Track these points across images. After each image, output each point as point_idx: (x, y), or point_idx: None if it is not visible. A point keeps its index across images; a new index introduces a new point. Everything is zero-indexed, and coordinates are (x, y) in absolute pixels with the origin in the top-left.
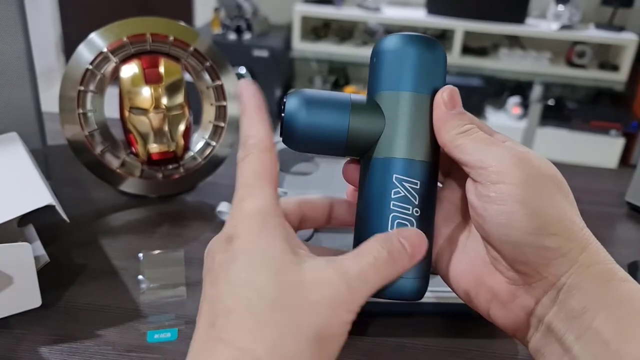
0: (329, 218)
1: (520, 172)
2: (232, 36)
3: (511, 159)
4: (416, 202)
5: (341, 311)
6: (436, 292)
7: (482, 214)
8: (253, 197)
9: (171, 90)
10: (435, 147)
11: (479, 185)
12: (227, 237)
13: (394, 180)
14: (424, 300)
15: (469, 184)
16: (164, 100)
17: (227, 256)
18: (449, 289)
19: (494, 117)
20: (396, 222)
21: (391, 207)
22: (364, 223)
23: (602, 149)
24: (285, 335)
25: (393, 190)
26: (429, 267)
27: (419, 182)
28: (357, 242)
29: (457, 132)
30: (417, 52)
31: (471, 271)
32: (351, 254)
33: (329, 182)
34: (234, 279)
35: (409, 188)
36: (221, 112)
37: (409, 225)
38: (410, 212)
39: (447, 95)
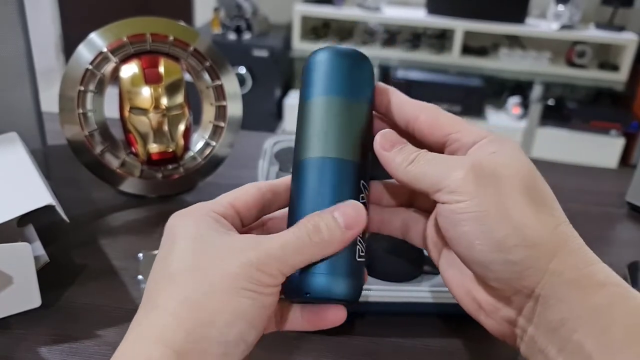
0: (262, 207)
1: (471, 185)
2: (232, 36)
3: (462, 172)
4: (366, 203)
5: (250, 272)
6: (436, 292)
7: (447, 235)
8: (202, 205)
9: (171, 90)
10: (364, 148)
11: (439, 207)
12: (169, 227)
13: (360, 186)
14: (424, 300)
15: (437, 206)
16: (164, 100)
17: (166, 242)
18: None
19: (494, 117)
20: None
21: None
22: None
23: (602, 149)
24: (193, 290)
25: (360, 196)
26: (352, 263)
27: (367, 185)
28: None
29: (406, 165)
30: (336, 62)
31: (461, 281)
32: (271, 235)
33: None
34: (160, 257)
35: (366, 193)
36: (221, 112)
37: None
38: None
39: (380, 140)
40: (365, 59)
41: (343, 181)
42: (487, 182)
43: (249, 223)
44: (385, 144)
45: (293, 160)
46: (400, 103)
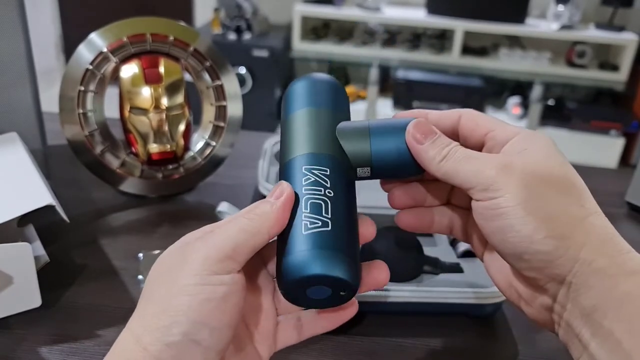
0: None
1: (502, 182)
2: (232, 36)
3: (493, 170)
4: (328, 185)
5: (204, 266)
6: (436, 292)
7: (482, 230)
8: (218, 235)
9: (171, 90)
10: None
11: (473, 203)
12: (181, 247)
13: (303, 170)
14: (424, 300)
15: (472, 202)
16: (164, 100)
17: (176, 264)
18: (448, 289)
19: None
20: (309, 202)
21: (303, 191)
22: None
23: (602, 149)
24: (159, 302)
25: (304, 178)
26: (338, 241)
27: (328, 169)
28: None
29: (439, 161)
30: (307, 83)
31: (503, 273)
32: None
33: None
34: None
35: (318, 174)
36: (221, 112)
37: (322, 204)
38: (322, 193)
39: (412, 131)
40: (322, 79)
41: (340, 171)
42: (517, 179)
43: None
44: (417, 135)
45: (279, 169)
46: (438, 117)
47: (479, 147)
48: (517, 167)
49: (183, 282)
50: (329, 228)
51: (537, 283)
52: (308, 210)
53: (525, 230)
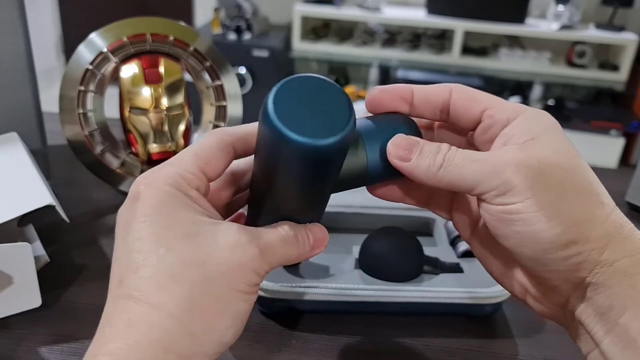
0: (230, 159)
1: (521, 184)
2: (232, 36)
3: (507, 173)
4: None
5: (249, 272)
6: (436, 292)
7: (495, 232)
8: (170, 164)
9: (171, 90)
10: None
11: (486, 207)
12: (133, 195)
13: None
14: (424, 300)
15: (479, 203)
16: (164, 100)
17: (132, 215)
18: (448, 289)
19: None
20: None
21: None
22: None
23: (602, 149)
24: (197, 290)
25: None
26: None
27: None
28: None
29: (436, 171)
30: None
31: (506, 266)
32: (262, 227)
33: None
34: (140, 236)
35: None
36: (221, 112)
37: None
38: None
39: (394, 152)
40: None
41: None
42: (536, 180)
43: (215, 178)
44: (400, 153)
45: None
46: (425, 93)
47: (473, 127)
48: (533, 166)
49: (238, 288)
50: None
51: (550, 283)
52: None
53: (547, 237)
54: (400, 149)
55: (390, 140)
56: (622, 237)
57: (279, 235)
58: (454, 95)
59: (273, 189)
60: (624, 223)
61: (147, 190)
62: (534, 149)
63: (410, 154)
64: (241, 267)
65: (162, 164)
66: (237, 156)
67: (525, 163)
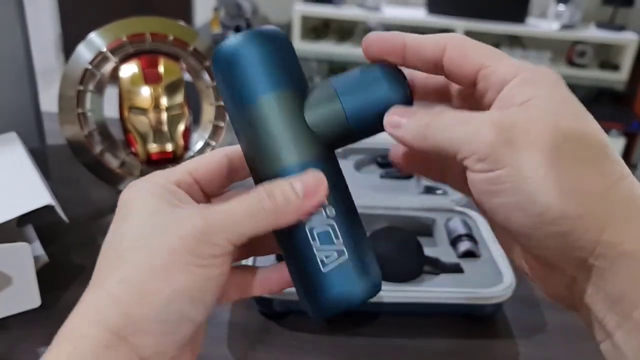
0: (229, 174)
1: (502, 151)
2: None
3: (491, 135)
4: (325, 202)
5: (193, 242)
6: (436, 292)
7: (481, 207)
8: (160, 174)
9: (170, 90)
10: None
11: (469, 175)
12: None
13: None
14: (424, 300)
15: (467, 174)
16: (164, 100)
17: (119, 216)
18: (449, 289)
19: None
20: (316, 232)
21: (304, 219)
22: (287, 242)
23: None
24: (139, 270)
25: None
26: (362, 263)
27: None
28: None
29: (422, 131)
30: (258, 49)
31: (509, 244)
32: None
33: None
34: (111, 228)
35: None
36: (221, 111)
37: (330, 231)
38: (325, 216)
39: (389, 119)
40: (273, 36)
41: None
42: (522, 144)
43: (215, 192)
44: (395, 118)
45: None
46: (417, 47)
47: (471, 86)
48: (520, 129)
49: (182, 259)
50: (346, 256)
51: (551, 262)
52: (318, 242)
53: (533, 209)
54: (395, 114)
55: (388, 112)
56: (626, 215)
57: (239, 200)
58: (448, 52)
59: (240, 142)
60: (631, 197)
61: (128, 189)
62: (527, 109)
63: (401, 120)
64: (181, 241)
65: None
66: (234, 165)
67: (511, 125)
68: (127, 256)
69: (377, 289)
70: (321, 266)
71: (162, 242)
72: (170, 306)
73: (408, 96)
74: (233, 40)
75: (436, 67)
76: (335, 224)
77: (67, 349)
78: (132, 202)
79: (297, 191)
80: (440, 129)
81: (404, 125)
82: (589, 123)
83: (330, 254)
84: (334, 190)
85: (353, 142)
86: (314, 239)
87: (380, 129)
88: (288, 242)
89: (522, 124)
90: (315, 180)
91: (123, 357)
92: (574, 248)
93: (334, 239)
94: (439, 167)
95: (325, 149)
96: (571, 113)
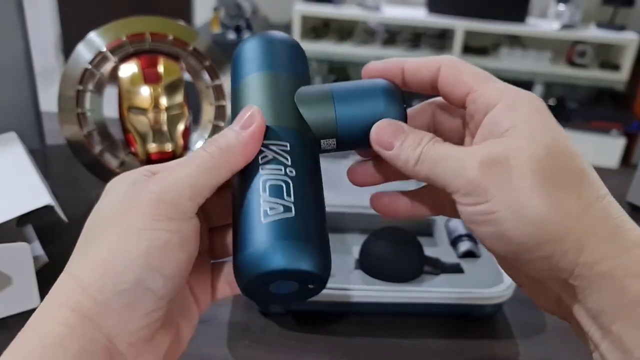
0: None
1: (485, 185)
2: (232, 35)
3: (473, 171)
4: (289, 163)
5: (157, 205)
6: (436, 292)
7: (474, 235)
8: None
9: (170, 89)
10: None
11: (459, 207)
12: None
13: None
14: (424, 301)
15: (456, 205)
16: (163, 100)
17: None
18: (449, 289)
19: None
20: (268, 184)
21: (260, 171)
22: (238, 197)
23: (602, 149)
24: (100, 246)
25: (260, 156)
26: (308, 230)
27: (288, 144)
28: (234, 218)
29: (413, 165)
30: (261, 42)
31: (497, 258)
32: None
33: (338, 182)
34: (89, 218)
35: (277, 150)
36: (220, 111)
37: (283, 185)
38: (282, 172)
39: (376, 137)
40: (279, 38)
41: (304, 146)
42: (500, 178)
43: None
44: (383, 142)
45: None
46: (414, 70)
47: (463, 107)
48: (501, 162)
49: (136, 225)
50: (292, 214)
51: (539, 279)
52: (267, 194)
53: (516, 238)
54: (383, 138)
55: (375, 125)
56: (603, 235)
57: (188, 157)
58: (442, 74)
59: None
60: (608, 217)
61: (111, 181)
62: (508, 141)
63: (392, 144)
64: (136, 207)
65: (169, 168)
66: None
67: (494, 159)
68: (88, 238)
69: (320, 275)
70: (262, 217)
71: (120, 217)
72: (125, 275)
73: (402, 115)
74: (251, 37)
75: (433, 89)
76: (291, 182)
77: (36, 333)
78: (106, 191)
79: (235, 128)
80: (431, 165)
81: (397, 153)
82: (568, 146)
83: (276, 207)
84: (301, 159)
85: (339, 147)
86: (264, 190)
87: (366, 143)
88: (239, 193)
89: (503, 158)
90: (248, 110)
91: (89, 338)
92: (556, 269)
93: (284, 194)
94: (430, 203)
95: (307, 134)
96: (551, 138)
